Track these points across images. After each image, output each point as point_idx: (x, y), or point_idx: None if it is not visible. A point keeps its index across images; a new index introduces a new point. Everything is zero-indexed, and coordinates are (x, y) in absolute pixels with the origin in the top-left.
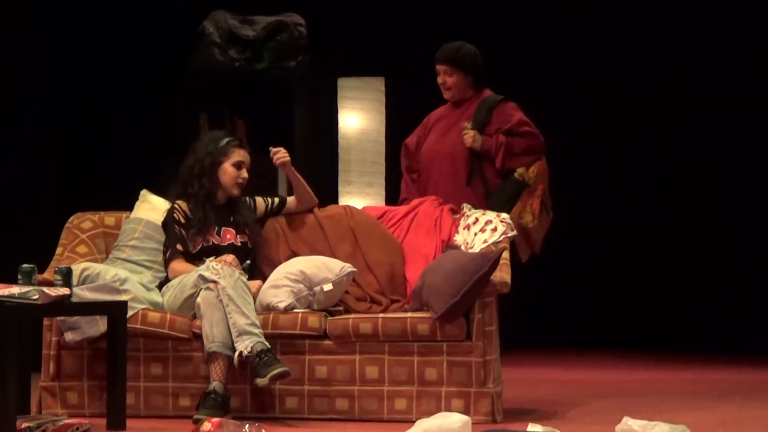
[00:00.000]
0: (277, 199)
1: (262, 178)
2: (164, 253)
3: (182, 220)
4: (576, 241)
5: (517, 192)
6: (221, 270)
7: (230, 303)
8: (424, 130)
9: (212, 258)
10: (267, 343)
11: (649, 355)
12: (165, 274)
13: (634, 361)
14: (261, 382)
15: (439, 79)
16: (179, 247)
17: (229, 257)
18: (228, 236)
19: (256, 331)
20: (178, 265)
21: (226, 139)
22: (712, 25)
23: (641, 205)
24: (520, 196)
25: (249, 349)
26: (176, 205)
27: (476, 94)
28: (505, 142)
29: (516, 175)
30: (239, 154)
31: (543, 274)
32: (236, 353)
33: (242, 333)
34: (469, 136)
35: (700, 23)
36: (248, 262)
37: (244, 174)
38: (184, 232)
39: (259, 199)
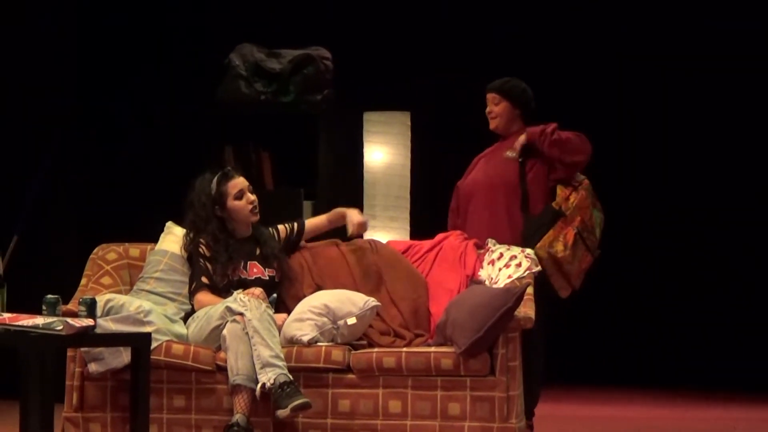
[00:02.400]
0: (296, 224)
1: (287, 211)
2: (190, 285)
3: (207, 254)
4: (614, 277)
5: (552, 220)
6: (248, 302)
7: (255, 335)
8: (470, 170)
9: (240, 290)
10: (290, 376)
11: (677, 391)
12: (189, 306)
13: (662, 397)
14: (282, 413)
15: (487, 109)
16: (204, 279)
17: (257, 290)
18: (255, 270)
19: (280, 363)
20: (203, 296)
21: (215, 179)
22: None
23: (669, 243)
24: (554, 224)
25: (272, 381)
26: (201, 239)
27: (522, 128)
28: (555, 128)
29: (554, 203)
30: (234, 185)
31: (574, 309)
32: (259, 385)
33: (266, 365)
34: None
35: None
36: (274, 296)
37: (251, 197)
38: (209, 265)
39: (280, 227)
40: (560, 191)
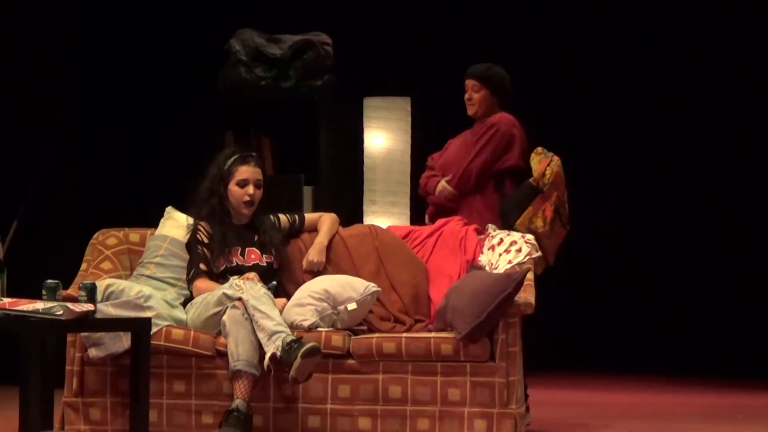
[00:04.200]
0: (297, 216)
1: (287, 197)
2: (188, 272)
3: (205, 240)
4: (602, 263)
5: (529, 196)
6: (243, 285)
7: (256, 312)
8: (443, 152)
9: (235, 276)
10: (294, 336)
11: (676, 377)
12: (189, 292)
13: (661, 383)
14: (294, 367)
15: (466, 95)
16: (202, 266)
17: (251, 274)
18: (252, 256)
19: (284, 329)
20: (201, 283)
21: (232, 158)
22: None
23: (669, 230)
24: (532, 201)
25: (279, 347)
26: (199, 225)
27: (500, 115)
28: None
29: (531, 180)
30: (243, 172)
31: (567, 293)
32: (267, 356)
33: (271, 335)
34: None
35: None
36: (274, 282)
37: (250, 191)
38: (207, 252)
39: (282, 217)
40: (536, 166)
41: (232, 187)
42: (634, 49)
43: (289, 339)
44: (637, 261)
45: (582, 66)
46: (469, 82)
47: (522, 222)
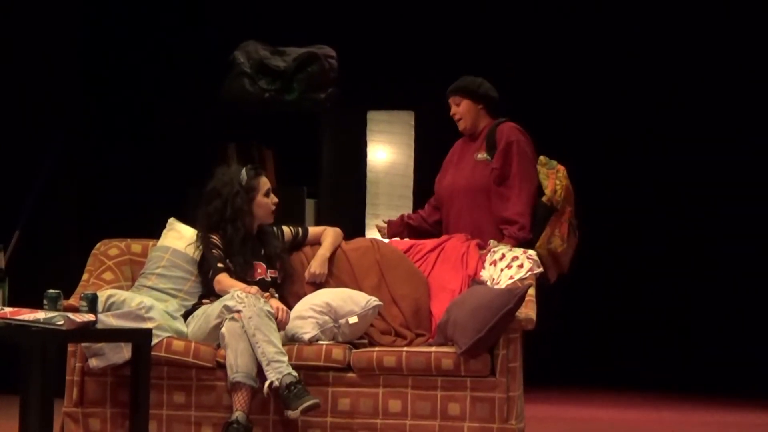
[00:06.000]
0: (300, 229)
1: (289, 210)
2: (207, 275)
3: (221, 246)
4: (600, 280)
5: (545, 217)
6: (246, 299)
7: (257, 332)
8: (444, 173)
9: (237, 289)
10: (295, 374)
11: (670, 395)
12: (191, 303)
13: (654, 401)
14: (292, 414)
15: (451, 113)
16: (220, 265)
17: (253, 288)
18: (259, 270)
19: (284, 359)
20: (224, 278)
21: (244, 171)
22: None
23: (665, 247)
24: (548, 221)
25: (279, 381)
26: (212, 238)
27: (490, 123)
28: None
29: (544, 199)
30: (264, 182)
31: (564, 310)
32: (267, 382)
33: (272, 362)
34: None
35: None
36: (276, 296)
37: (275, 199)
38: (222, 254)
39: (286, 229)
40: (547, 184)
41: (261, 199)
42: (634, 50)
43: (288, 380)
44: (634, 275)
45: (582, 67)
46: (450, 100)
47: (541, 244)
